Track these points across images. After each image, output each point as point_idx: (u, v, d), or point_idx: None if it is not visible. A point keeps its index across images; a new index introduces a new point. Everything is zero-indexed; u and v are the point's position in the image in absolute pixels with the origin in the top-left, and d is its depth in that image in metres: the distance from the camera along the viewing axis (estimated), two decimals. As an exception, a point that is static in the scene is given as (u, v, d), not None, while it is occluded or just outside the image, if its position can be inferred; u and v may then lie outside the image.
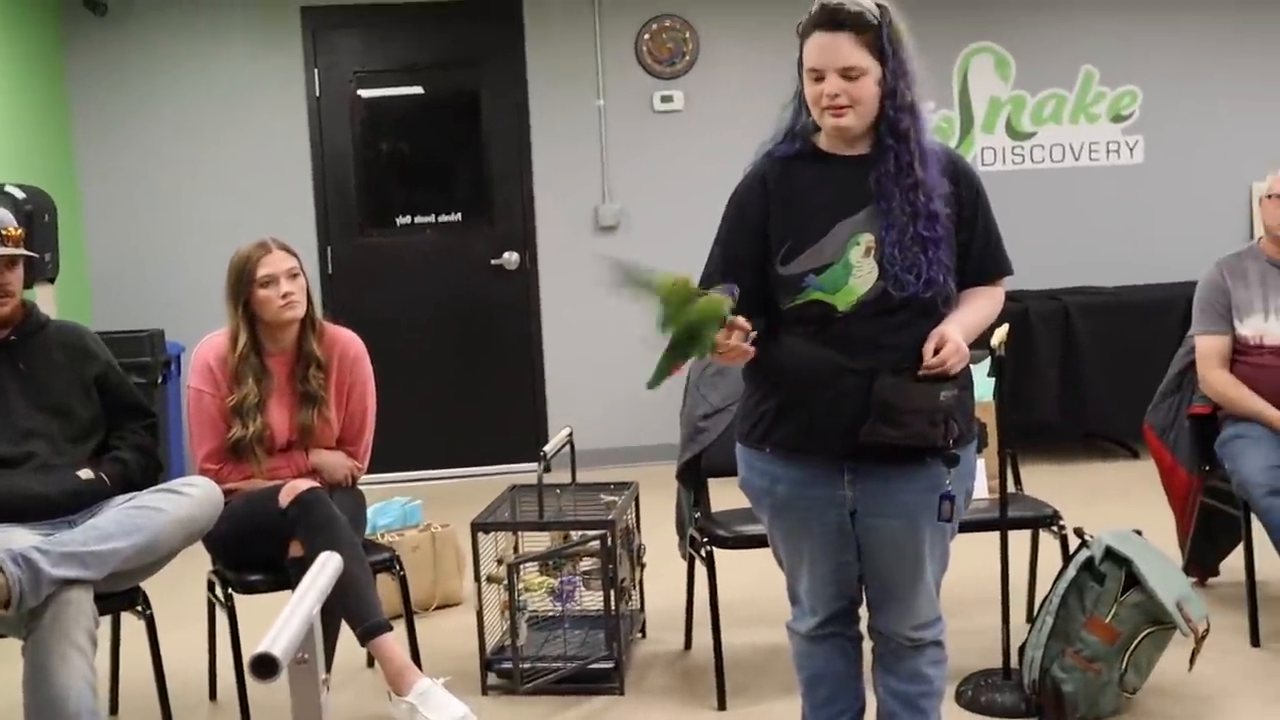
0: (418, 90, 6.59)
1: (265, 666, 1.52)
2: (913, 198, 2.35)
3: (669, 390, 4.44)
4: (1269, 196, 3.85)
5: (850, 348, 2.32)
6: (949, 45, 6.56)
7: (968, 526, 3.01)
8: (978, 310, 2.46)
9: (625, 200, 6.47)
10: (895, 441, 2.32)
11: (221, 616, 3.32)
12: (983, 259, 2.47)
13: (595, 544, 3.44)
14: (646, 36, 6.43)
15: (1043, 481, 5.06)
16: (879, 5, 2.34)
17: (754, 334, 2.28)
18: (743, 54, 6.40)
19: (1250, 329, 3.78)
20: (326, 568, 1.86)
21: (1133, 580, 3.10)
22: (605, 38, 6.41)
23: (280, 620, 1.62)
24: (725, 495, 3.29)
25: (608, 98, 6.44)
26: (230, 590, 3.29)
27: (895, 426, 2.31)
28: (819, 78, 2.34)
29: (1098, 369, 5.98)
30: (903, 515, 2.43)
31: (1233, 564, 3.93)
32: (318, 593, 1.76)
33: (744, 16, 6.43)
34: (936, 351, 2.30)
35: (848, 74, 2.31)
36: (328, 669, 3.07)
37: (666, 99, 6.46)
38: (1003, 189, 6.70)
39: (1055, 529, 3.43)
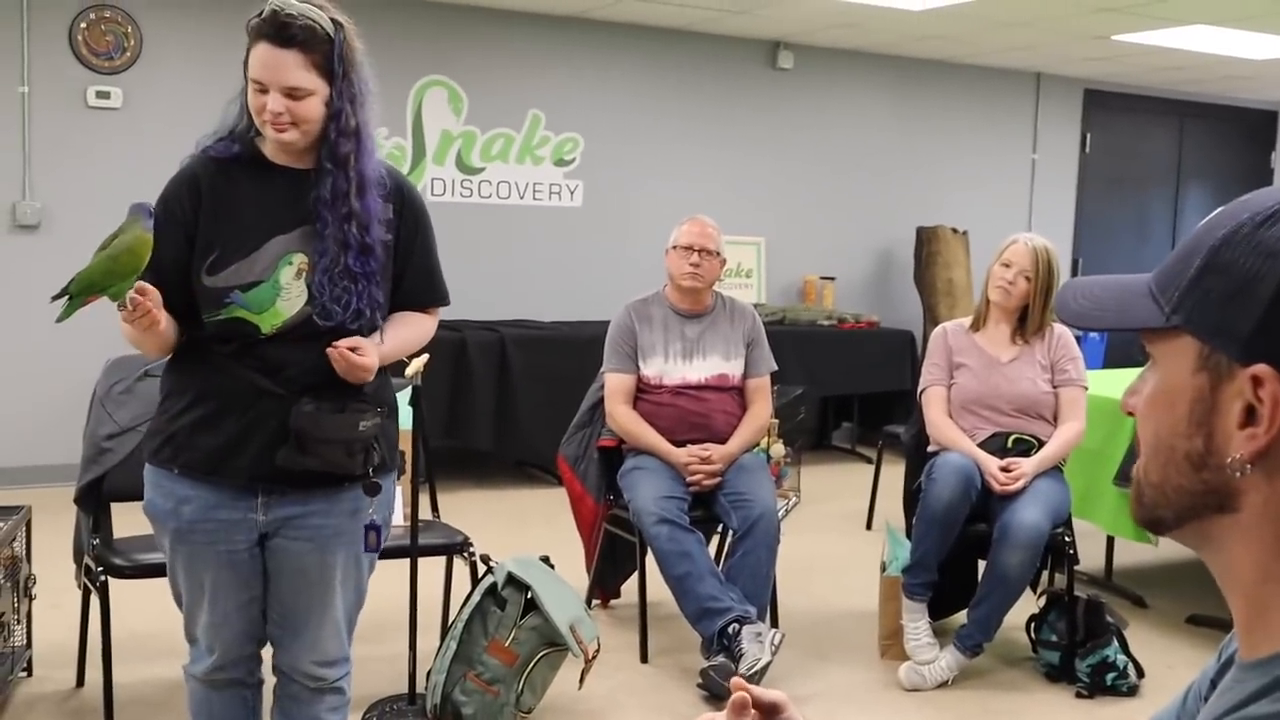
0: None
1: None
2: (347, 228, 2.29)
3: (76, 408, 4.13)
4: (674, 247, 4.21)
5: (271, 371, 2.25)
6: (404, 74, 6.63)
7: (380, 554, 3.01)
8: (404, 336, 2.46)
9: (49, 199, 5.95)
10: (312, 469, 2.29)
11: None
12: (417, 286, 2.47)
13: (-28, 576, 3.12)
14: (83, 25, 5.97)
15: (472, 508, 5.24)
16: (334, 21, 2.25)
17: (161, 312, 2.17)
18: (190, 53, 6.10)
19: (652, 369, 4.11)
20: None
21: (532, 605, 3.27)
22: (34, 20, 5.87)
23: None
24: (131, 521, 3.09)
25: (33, 86, 5.90)
26: None
27: (312, 455, 2.27)
28: (263, 90, 2.23)
29: (530, 399, 6.26)
30: (314, 540, 2.38)
31: (632, 586, 4.25)
32: None
33: (193, 13, 6.13)
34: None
35: (292, 94, 2.22)
36: None
37: (103, 94, 6.02)
38: (450, 221, 6.93)
39: (465, 555, 3.55)
